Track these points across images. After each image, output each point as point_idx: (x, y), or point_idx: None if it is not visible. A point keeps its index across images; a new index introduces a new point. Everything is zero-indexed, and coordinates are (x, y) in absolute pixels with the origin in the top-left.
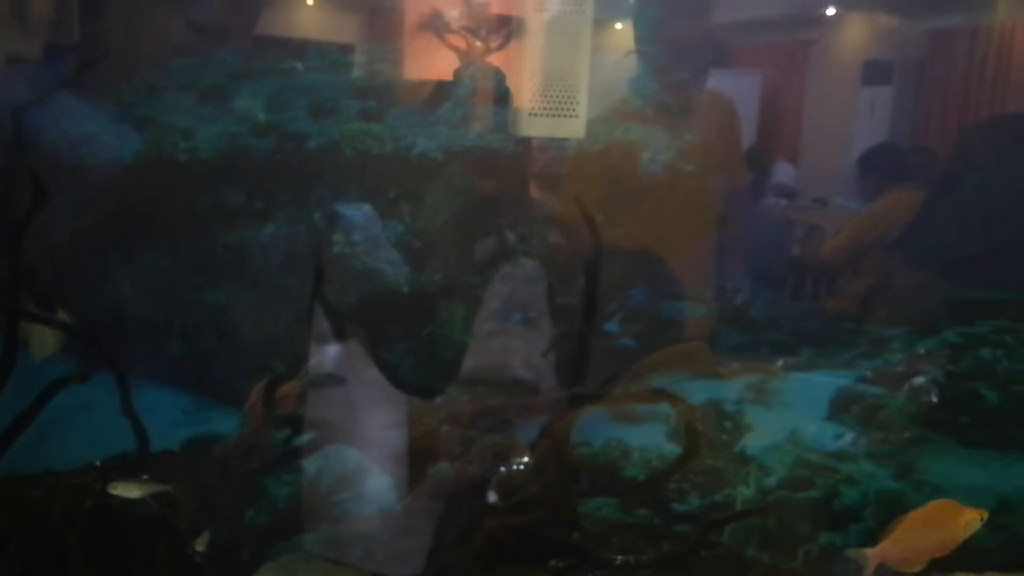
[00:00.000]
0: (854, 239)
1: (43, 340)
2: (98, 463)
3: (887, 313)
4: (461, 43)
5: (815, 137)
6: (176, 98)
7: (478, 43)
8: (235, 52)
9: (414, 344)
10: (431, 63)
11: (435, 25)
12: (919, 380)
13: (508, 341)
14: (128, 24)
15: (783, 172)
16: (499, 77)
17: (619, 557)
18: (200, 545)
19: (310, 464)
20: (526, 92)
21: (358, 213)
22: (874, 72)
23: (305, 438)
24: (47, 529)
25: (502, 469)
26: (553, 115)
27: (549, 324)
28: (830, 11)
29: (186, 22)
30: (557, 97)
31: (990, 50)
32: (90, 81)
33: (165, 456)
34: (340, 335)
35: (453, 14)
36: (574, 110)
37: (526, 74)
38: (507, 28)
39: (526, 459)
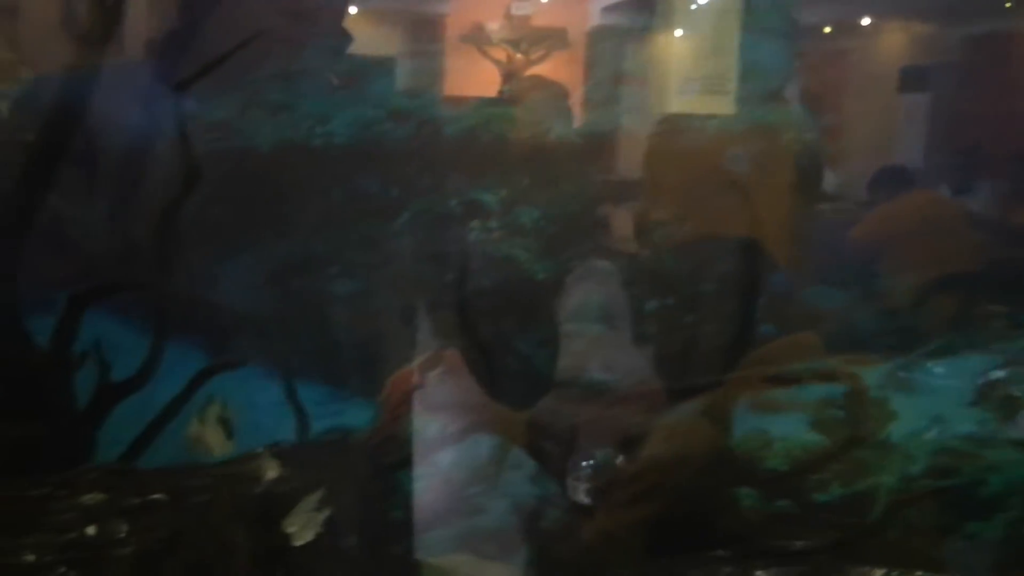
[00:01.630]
0: (875, 226)
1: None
2: (261, 449)
3: None
4: None
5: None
6: (310, 84)
7: None
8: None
9: (548, 333)
10: None
11: None
12: None
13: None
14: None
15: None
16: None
17: (797, 542)
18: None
19: (444, 457)
20: (677, 70)
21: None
22: None
23: (438, 430)
24: (215, 520)
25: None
26: (706, 92)
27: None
28: None
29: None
30: (710, 74)
31: None
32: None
33: (313, 446)
34: (472, 326)
35: None
36: (725, 87)
37: (678, 50)
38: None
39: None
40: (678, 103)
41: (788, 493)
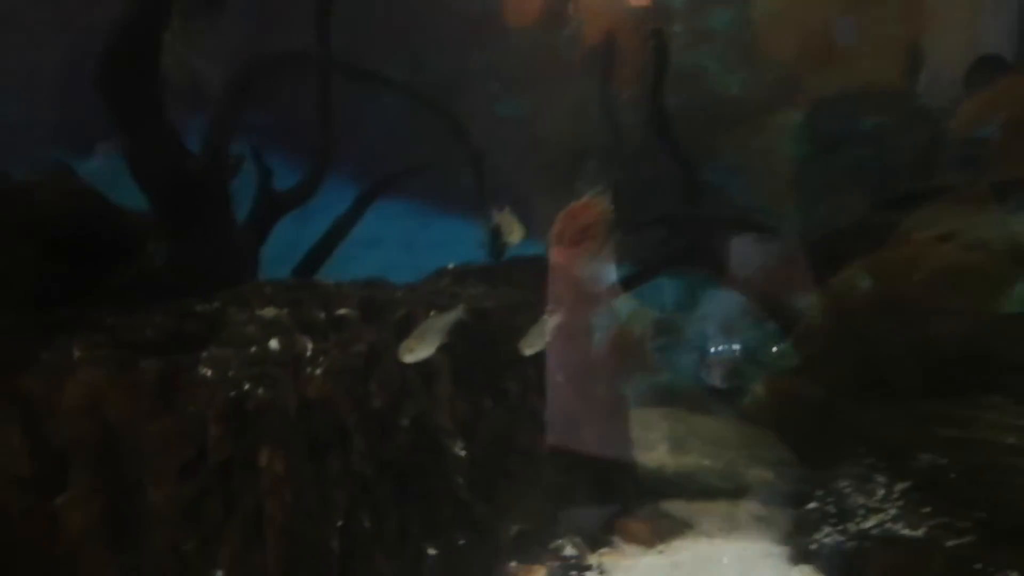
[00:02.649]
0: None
1: (511, 229)
2: (451, 266)
3: None
4: None
5: None
6: None
7: None
8: None
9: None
10: None
11: None
12: None
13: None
14: None
15: None
16: None
17: None
18: None
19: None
20: None
21: None
22: None
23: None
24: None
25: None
26: None
27: None
28: None
29: None
30: None
31: None
32: None
33: (508, 265)
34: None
35: None
36: None
37: None
38: None
39: None
40: None
41: None
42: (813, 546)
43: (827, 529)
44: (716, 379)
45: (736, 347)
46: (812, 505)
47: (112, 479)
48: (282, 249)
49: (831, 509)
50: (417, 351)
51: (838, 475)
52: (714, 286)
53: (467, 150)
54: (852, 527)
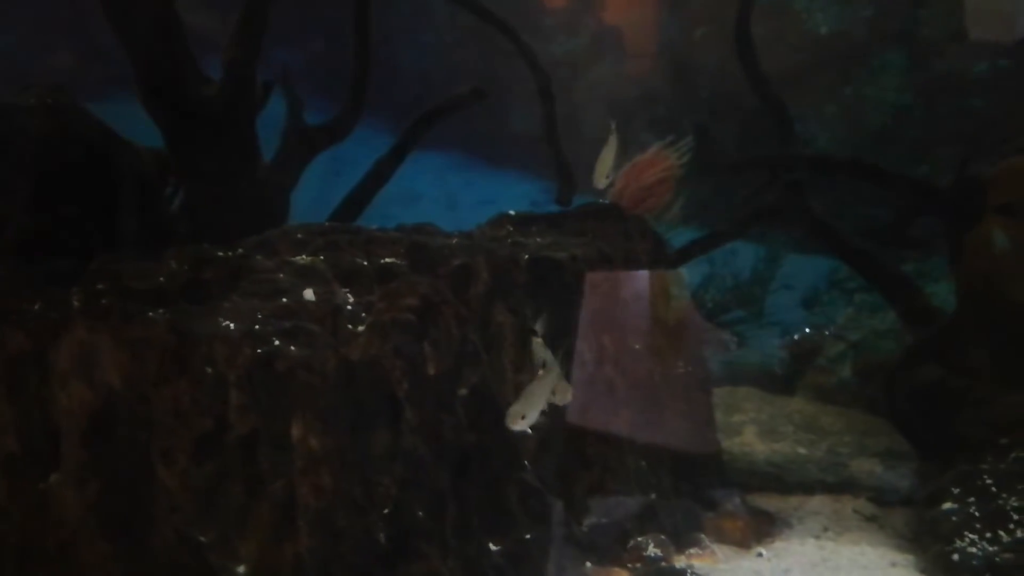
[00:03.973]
0: None
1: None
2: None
3: None
4: None
5: None
6: None
7: None
8: None
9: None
10: None
11: None
12: None
13: None
14: None
15: None
16: None
17: None
18: None
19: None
20: None
21: None
22: None
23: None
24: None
25: None
26: None
27: None
28: None
29: None
30: None
31: None
32: None
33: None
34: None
35: None
36: None
37: None
38: None
39: None
40: None
41: None
42: (955, 556)
43: (971, 536)
44: (798, 359)
45: (821, 323)
46: (948, 505)
47: (113, 456)
48: (311, 205)
49: (974, 511)
50: (530, 417)
51: (978, 472)
52: (797, 250)
53: (534, 74)
54: (1006, 536)
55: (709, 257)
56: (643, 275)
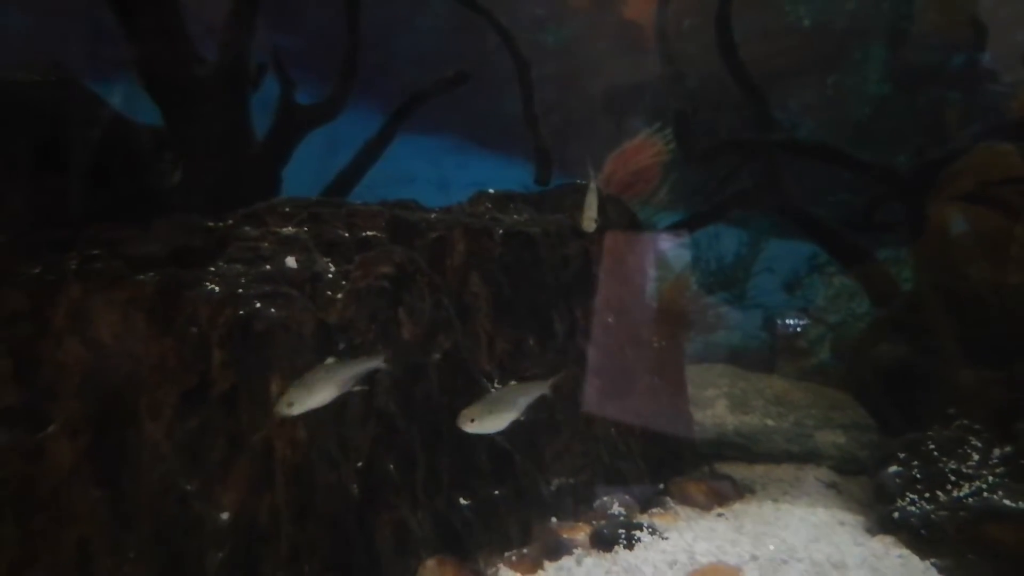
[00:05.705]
0: None
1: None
2: (492, 191)
3: None
4: None
5: None
6: None
7: None
8: None
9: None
10: None
11: None
12: None
13: None
14: None
15: None
16: None
17: None
18: None
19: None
20: None
21: None
22: None
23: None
24: (453, 264)
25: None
26: None
27: None
28: None
29: None
30: None
31: None
32: None
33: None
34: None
35: None
36: None
37: None
38: None
39: None
40: None
41: None
42: (895, 514)
43: (911, 496)
44: (779, 337)
45: (802, 304)
46: (893, 468)
47: (103, 410)
48: (307, 180)
49: (916, 474)
50: (482, 422)
51: (923, 439)
52: (778, 235)
53: (514, 59)
54: (943, 496)
55: (694, 240)
56: (619, 251)
